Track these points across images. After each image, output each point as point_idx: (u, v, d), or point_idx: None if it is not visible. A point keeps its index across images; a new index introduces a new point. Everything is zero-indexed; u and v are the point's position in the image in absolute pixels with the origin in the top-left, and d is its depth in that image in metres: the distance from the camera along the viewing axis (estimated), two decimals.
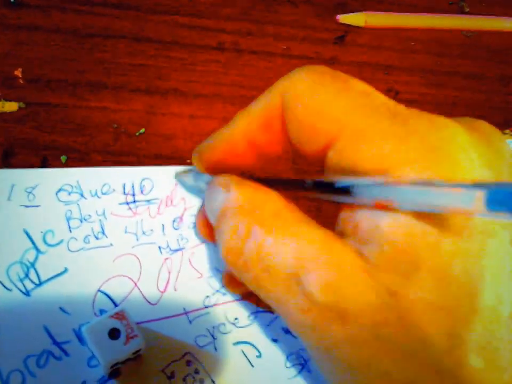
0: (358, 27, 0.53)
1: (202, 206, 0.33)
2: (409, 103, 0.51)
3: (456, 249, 0.21)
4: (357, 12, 0.54)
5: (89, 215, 0.40)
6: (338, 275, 0.22)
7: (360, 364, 0.22)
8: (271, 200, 0.26)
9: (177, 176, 0.39)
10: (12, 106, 0.42)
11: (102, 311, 0.37)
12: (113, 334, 0.32)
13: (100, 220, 0.40)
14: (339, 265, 0.23)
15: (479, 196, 0.18)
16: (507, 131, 0.51)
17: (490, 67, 0.55)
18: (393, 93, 0.51)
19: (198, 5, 0.50)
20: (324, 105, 0.25)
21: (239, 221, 0.26)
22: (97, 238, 0.39)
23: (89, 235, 0.39)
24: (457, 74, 0.54)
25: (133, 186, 0.41)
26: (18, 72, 0.43)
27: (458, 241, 0.21)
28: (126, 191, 0.41)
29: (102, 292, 0.38)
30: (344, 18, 0.53)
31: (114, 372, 0.34)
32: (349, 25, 0.53)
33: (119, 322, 0.33)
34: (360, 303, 0.22)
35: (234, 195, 0.27)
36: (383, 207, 0.22)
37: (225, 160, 0.30)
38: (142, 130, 0.43)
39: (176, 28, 0.48)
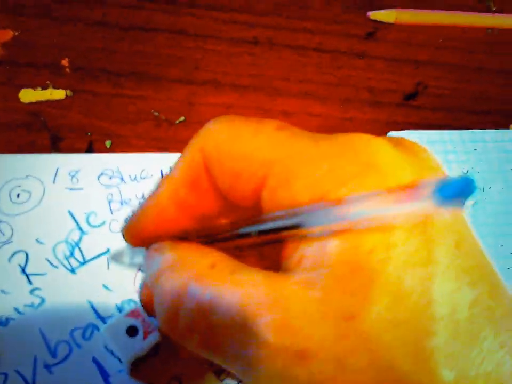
0: (388, 23, 0.55)
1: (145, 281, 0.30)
2: (438, 97, 0.53)
3: (405, 261, 0.20)
4: (387, 8, 0.55)
5: (129, 199, 0.42)
6: (289, 313, 0.21)
7: None
8: (205, 254, 0.25)
9: (113, 258, 0.37)
10: (59, 94, 0.44)
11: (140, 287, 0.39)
12: (131, 331, 0.34)
13: (139, 203, 0.42)
14: (287, 303, 0.21)
15: (426, 194, 0.18)
16: None
17: None
18: (422, 87, 0.52)
19: (235, 1, 0.52)
20: (245, 148, 0.24)
21: (173, 281, 0.24)
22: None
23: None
24: (484, 70, 0.55)
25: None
26: (65, 62, 0.45)
27: (407, 252, 0.20)
28: (164, 176, 0.43)
29: (142, 271, 0.40)
30: (374, 14, 0.55)
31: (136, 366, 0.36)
32: (379, 22, 0.55)
33: (134, 320, 0.34)
34: (317, 337, 0.20)
35: (167, 256, 0.26)
36: (335, 232, 0.21)
37: (158, 229, 0.28)
38: (182, 118, 0.45)
39: (213, 22, 0.50)
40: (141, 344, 0.34)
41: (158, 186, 0.27)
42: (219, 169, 0.25)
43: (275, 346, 0.21)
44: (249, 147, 0.24)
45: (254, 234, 0.24)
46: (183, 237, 0.27)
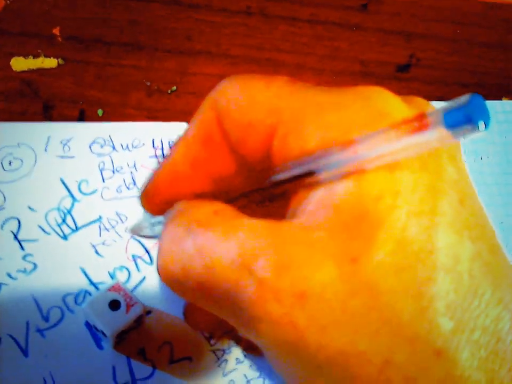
0: None
1: None
2: (431, 69, 0.53)
3: (411, 209, 0.20)
4: None
5: (121, 167, 0.42)
6: (289, 254, 0.21)
7: (332, 352, 0.20)
8: (210, 202, 0.25)
9: (133, 232, 0.36)
10: (51, 63, 0.44)
11: (134, 256, 0.39)
12: (114, 305, 0.34)
13: (131, 172, 0.42)
14: (288, 244, 0.21)
15: (436, 122, 0.18)
16: None
17: (510, 37, 0.56)
18: (414, 60, 0.52)
19: None
20: (255, 99, 0.24)
21: (175, 226, 0.24)
22: (128, 189, 0.42)
23: (121, 185, 0.42)
24: (477, 43, 0.55)
25: (161, 141, 0.43)
26: (56, 31, 0.45)
27: (413, 201, 0.21)
28: (155, 145, 0.43)
29: (134, 238, 0.40)
30: None
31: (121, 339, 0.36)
32: None
33: (117, 294, 0.35)
34: (319, 278, 0.20)
35: (176, 208, 0.26)
36: (344, 176, 0.21)
37: (174, 190, 0.27)
38: (174, 88, 0.45)
39: None
40: (124, 317, 0.34)
41: (172, 147, 0.27)
42: (230, 122, 0.25)
43: (273, 287, 0.20)
44: (259, 97, 0.24)
45: (269, 186, 0.24)
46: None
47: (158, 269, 0.24)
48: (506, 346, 0.20)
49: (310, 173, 0.22)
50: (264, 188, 0.25)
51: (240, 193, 0.26)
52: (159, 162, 0.28)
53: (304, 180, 0.22)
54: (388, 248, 0.20)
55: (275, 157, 0.24)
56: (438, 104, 0.19)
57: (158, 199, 0.28)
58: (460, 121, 0.17)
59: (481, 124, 0.17)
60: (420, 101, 0.25)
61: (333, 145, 0.21)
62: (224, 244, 0.22)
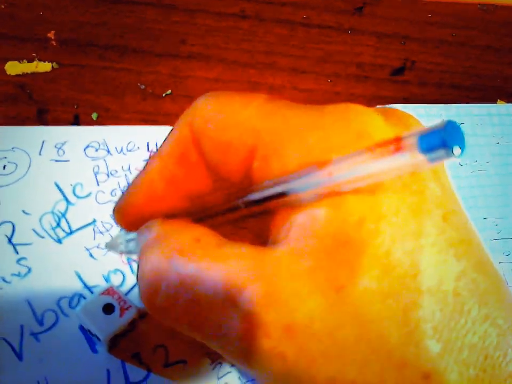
0: None
1: None
2: (426, 72, 0.53)
3: (395, 233, 0.20)
4: None
5: (116, 170, 0.42)
6: (275, 285, 0.20)
7: (322, 383, 0.20)
8: (190, 228, 0.25)
9: (109, 247, 0.35)
10: (45, 67, 0.44)
11: (128, 259, 0.39)
12: (108, 309, 0.34)
13: (125, 175, 0.42)
14: (274, 275, 0.20)
15: (411, 146, 0.18)
16: None
17: (505, 40, 0.56)
18: (409, 63, 0.52)
19: None
20: (234, 119, 0.24)
21: (156, 255, 0.23)
22: (123, 192, 0.42)
23: (116, 189, 0.42)
24: (473, 46, 0.55)
25: (156, 144, 0.43)
26: (51, 35, 0.45)
27: (396, 224, 0.20)
28: (150, 149, 0.43)
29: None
30: None
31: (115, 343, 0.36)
32: None
33: (110, 298, 0.35)
34: (305, 309, 0.20)
35: (153, 231, 0.25)
36: (324, 198, 0.21)
37: (148, 207, 0.27)
38: (169, 91, 0.45)
39: None
40: (118, 321, 0.34)
41: (147, 164, 0.27)
42: (207, 142, 0.24)
43: (260, 320, 0.20)
44: (237, 117, 0.23)
45: (244, 206, 0.24)
46: (174, 215, 0.27)
47: (142, 300, 0.24)
48: (494, 362, 0.20)
49: (285, 193, 0.22)
50: (241, 206, 0.24)
51: (216, 211, 0.26)
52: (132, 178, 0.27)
53: (281, 199, 0.22)
54: (372, 275, 0.20)
55: (255, 177, 0.24)
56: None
57: (132, 216, 0.27)
58: (435, 145, 0.17)
59: (456, 149, 0.17)
60: (401, 114, 0.24)
61: (313, 167, 0.21)
62: (209, 276, 0.21)
